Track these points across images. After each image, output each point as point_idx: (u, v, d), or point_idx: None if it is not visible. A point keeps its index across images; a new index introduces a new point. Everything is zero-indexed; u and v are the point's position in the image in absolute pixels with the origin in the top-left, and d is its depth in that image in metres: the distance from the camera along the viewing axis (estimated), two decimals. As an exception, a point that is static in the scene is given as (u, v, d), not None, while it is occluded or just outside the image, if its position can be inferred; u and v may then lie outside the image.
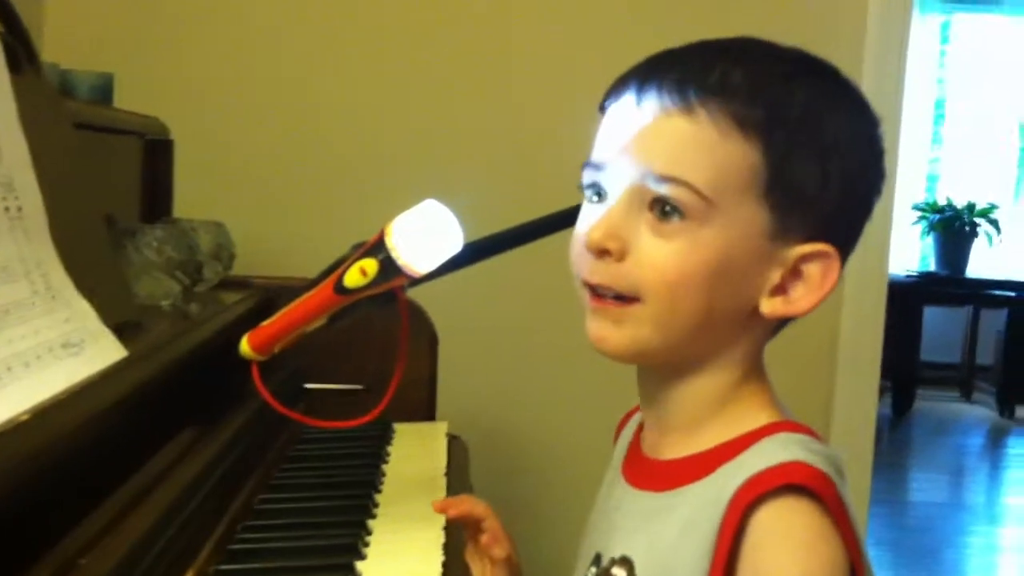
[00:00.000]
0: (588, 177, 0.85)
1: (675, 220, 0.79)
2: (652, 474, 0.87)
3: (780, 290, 0.82)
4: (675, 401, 0.85)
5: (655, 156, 0.79)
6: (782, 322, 0.86)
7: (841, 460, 0.79)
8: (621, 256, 0.80)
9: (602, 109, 0.86)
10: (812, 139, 0.80)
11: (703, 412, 0.84)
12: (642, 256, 0.80)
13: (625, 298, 0.81)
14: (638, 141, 0.80)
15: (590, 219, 0.83)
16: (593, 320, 0.84)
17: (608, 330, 0.83)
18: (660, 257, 0.79)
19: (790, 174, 0.79)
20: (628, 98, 0.82)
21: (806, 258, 0.81)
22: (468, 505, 1.05)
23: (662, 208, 0.79)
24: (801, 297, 0.82)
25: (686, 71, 0.80)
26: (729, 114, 0.78)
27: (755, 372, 0.86)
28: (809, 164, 0.80)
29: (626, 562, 0.83)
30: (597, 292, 0.82)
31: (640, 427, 0.94)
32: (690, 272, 0.79)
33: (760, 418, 0.83)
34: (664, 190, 0.79)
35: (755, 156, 0.78)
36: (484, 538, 1.03)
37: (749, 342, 0.85)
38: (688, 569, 0.77)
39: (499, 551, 1.03)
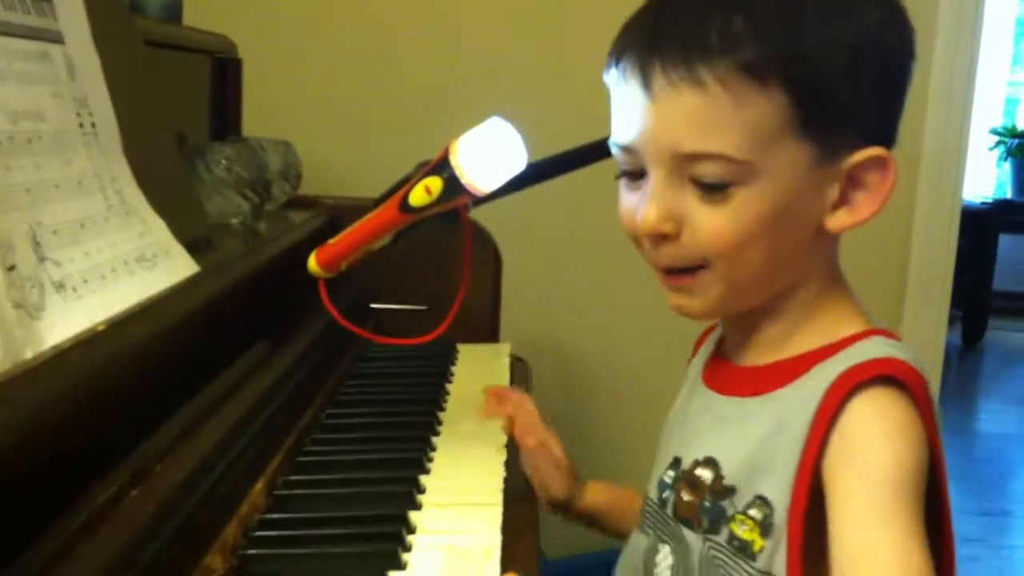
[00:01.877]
0: (620, 158, 0.86)
1: (719, 189, 0.79)
2: (739, 380, 0.89)
3: (841, 202, 0.82)
4: (759, 323, 0.88)
5: (678, 135, 0.79)
6: None
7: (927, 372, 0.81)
8: (678, 234, 0.81)
9: (607, 74, 0.86)
10: (833, 53, 0.78)
11: (788, 326, 0.86)
12: (698, 227, 0.81)
13: (692, 269, 0.83)
14: (657, 123, 0.80)
15: (633, 200, 0.84)
16: (669, 292, 0.87)
17: (685, 300, 0.85)
18: (716, 225, 0.80)
19: (820, 100, 0.78)
20: (632, 77, 0.81)
21: (860, 166, 0.81)
22: (503, 406, 1.13)
23: (703, 183, 0.79)
24: (863, 205, 0.83)
25: (683, 36, 0.78)
26: (740, 69, 0.77)
27: (835, 281, 0.88)
28: (836, 80, 0.79)
29: (711, 462, 0.86)
30: (664, 270, 0.85)
31: (721, 340, 0.96)
32: (749, 230, 0.80)
33: (851, 326, 0.85)
34: (699, 168, 0.79)
35: (780, 99, 0.78)
36: (516, 429, 1.11)
37: (822, 255, 0.86)
38: (781, 461, 0.80)
39: (530, 440, 1.10)
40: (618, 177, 0.88)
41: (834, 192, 0.82)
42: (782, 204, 0.79)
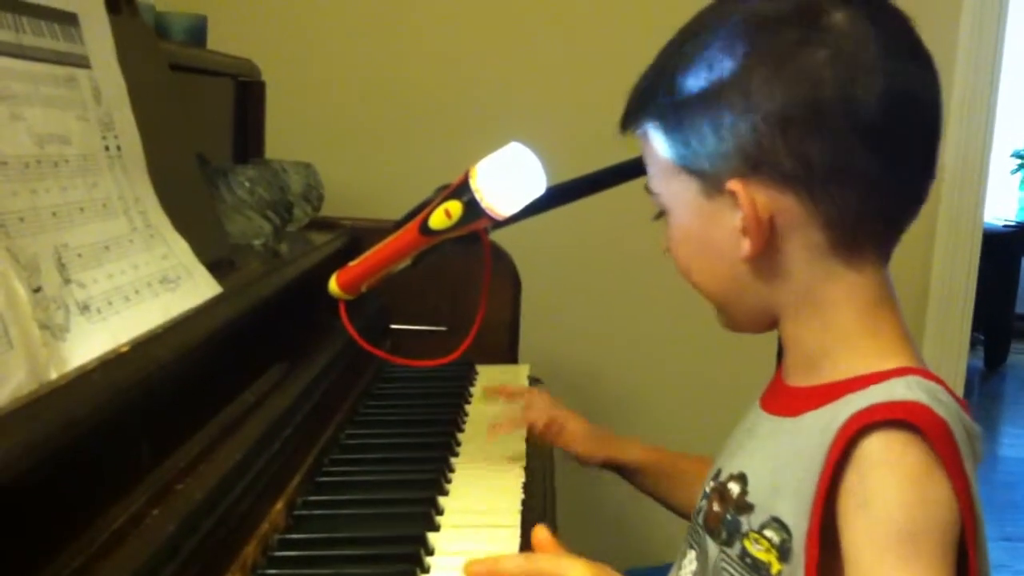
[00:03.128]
0: None
1: (661, 218, 0.92)
2: (782, 399, 0.91)
3: (744, 230, 0.85)
4: (790, 345, 0.90)
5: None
6: (886, 250, 0.87)
7: (969, 420, 0.81)
8: None
9: None
10: (688, 105, 0.86)
11: (820, 351, 0.87)
12: None
13: None
14: None
15: None
16: None
17: (719, 317, 0.95)
18: (672, 253, 0.93)
19: (680, 138, 0.87)
20: None
21: (734, 197, 0.84)
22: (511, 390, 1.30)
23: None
24: (747, 231, 0.85)
25: (633, 91, 0.92)
26: (647, 122, 0.90)
27: (878, 312, 0.87)
28: (694, 125, 0.85)
29: (741, 477, 0.88)
30: None
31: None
32: (678, 251, 0.92)
33: (889, 360, 0.84)
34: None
35: (660, 143, 0.88)
36: (526, 415, 1.25)
37: (846, 283, 0.85)
38: (793, 490, 0.81)
39: (538, 422, 1.24)
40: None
41: (736, 220, 0.84)
42: (693, 231, 0.89)
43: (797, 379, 0.89)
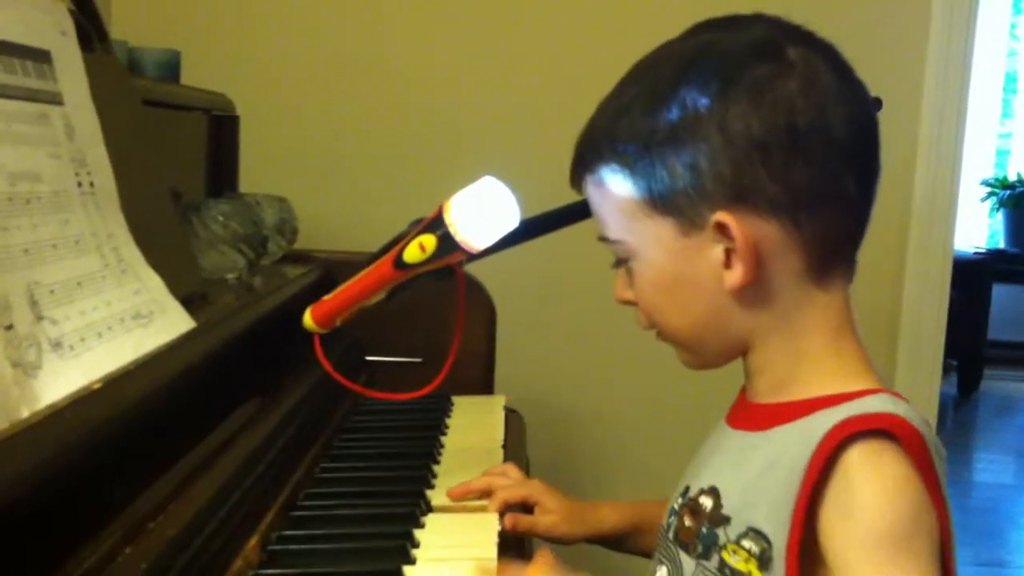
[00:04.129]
0: None
1: (624, 264, 0.92)
2: (749, 416, 0.92)
3: (729, 261, 0.86)
4: (759, 369, 0.91)
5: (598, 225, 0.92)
6: (851, 271, 0.89)
7: (936, 439, 0.82)
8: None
9: None
10: (657, 144, 0.86)
11: (788, 374, 0.89)
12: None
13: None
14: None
15: None
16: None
17: (683, 357, 0.95)
18: (639, 299, 0.92)
19: (652, 179, 0.86)
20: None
21: (718, 230, 0.85)
22: (474, 487, 1.17)
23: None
24: (736, 262, 0.86)
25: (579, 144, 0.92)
26: (596, 171, 0.90)
27: (843, 337, 0.89)
28: (666, 163, 0.85)
29: (713, 491, 0.89)
30: None
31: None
32: (648, 297, 0.91)
33: (858, 383, 0.86)
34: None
35: (625, 186, 0.88)
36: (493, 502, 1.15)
37: (811, 310, 0.88)
38: (770, 500, 0.82)
39: (504, 495, 1.15)
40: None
41: (718, 253, 0.86)
42: (668, 272, 0.89)
43: (764, 398, 0.91)
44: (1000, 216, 5.66)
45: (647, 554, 1.10)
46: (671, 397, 2.19)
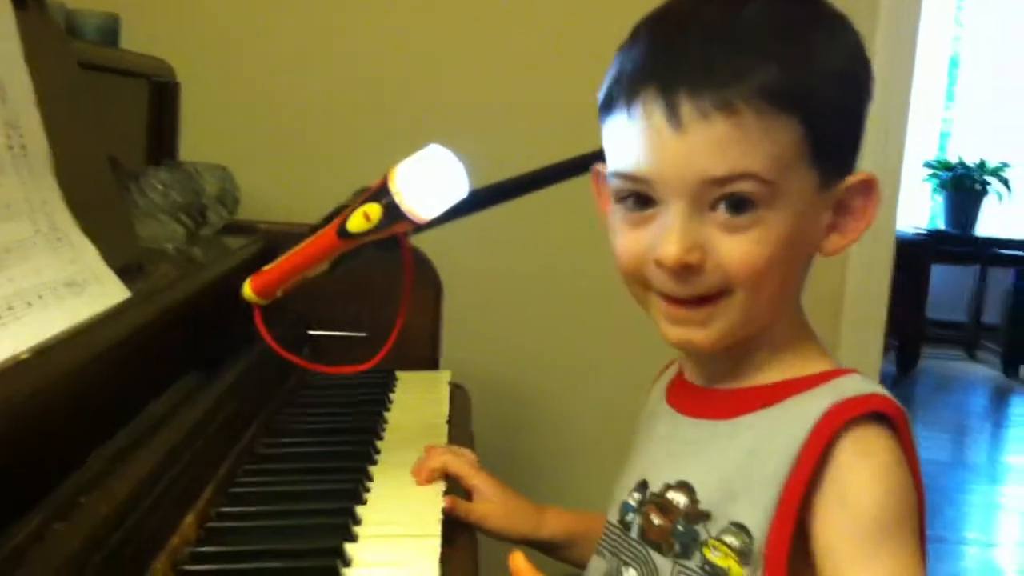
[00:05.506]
0: (626, 186, 0.84)
1: (746, 212, 0.80)
2: (708, 403, 0.89)
3: (832, 227, 0.85)
4: (736, 352, 0.87)
5: (710, 161, 0.79)
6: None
7: None
8: (702, 264, 0.81)
9: (606, 110, 0.86)
10: (836, 85, 0.82)
11: (763, 356, 0.87)
12: (723, 256, 0.81)
13: (708, 297, 0.83)
14: (687, 152, 0.79)
15: (640, 236, 0.84)
16: (674, 326, 0.85)
17: (695, 332, 0.84)
18: (742, 251, 0.80)
19: (828, 129, 0.82)
20: (653, 109, 0.80)
21: (849, 191, 0.85)
22: (433, 467, 1.12)
23: (731, 204, 0.80)
24: (852, 227, 0.86)
25: (706, 64, 0.79)
26: (765, 95, 0.79)
27: (803, 320, 0.90)
28: (838, 111, 0.83)
29: (684, 486, 0.86)
30: (675, 299, 0.83)
31: (681, 371, 0.97)
32: (773, 253, 0.81)
33: (820, 364, 0.87)
34: (729, 188, 0.79)
35: (796, 128, 0.80)
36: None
37: (798, 287, 0.88)
38: (757, 489, 0.81)
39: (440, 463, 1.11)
40: (612, 207, 0.88)
41: (828, 217, 0.85)
42: (796, 229, 0.82)
43: (722, 382, 0.89)
44: (940, 198, 5.74)
45: (579, 565, 1.07)
46: (617, 373, 2.19)
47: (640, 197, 0.83)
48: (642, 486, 0.91)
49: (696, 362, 0.93)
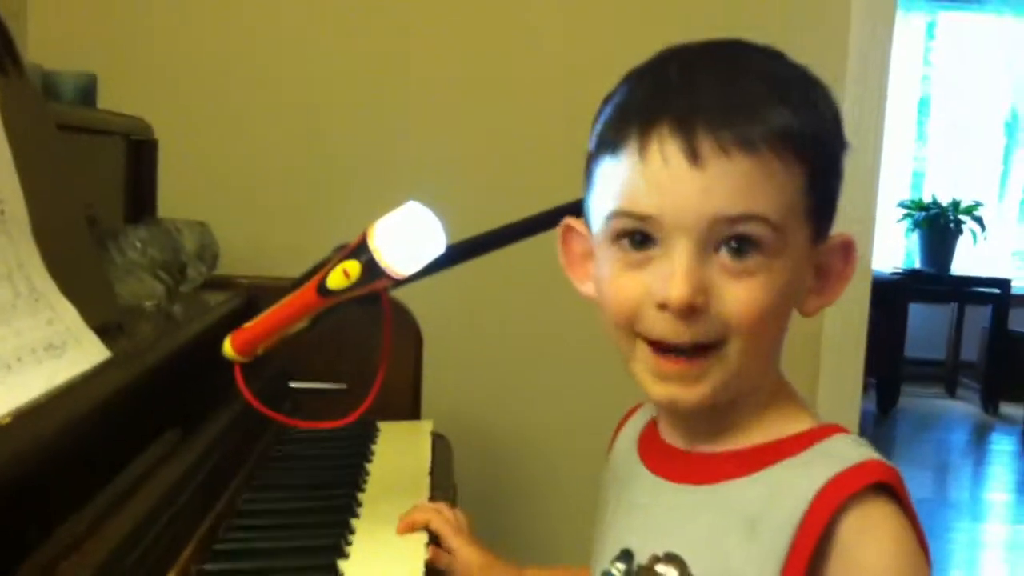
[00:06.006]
0: (628, 225, 0.80)
1: (751, 256, 0.78)
2: (688, 467, 0.85)
3: (811, 288, 0.84)
4: (720, 415, 0.84)
5: (725, 199, 0.77)
6: None
7: None
8: (706, 307, 0.78)
9: (605, 151, 0.82)
10: (832, 140, 0.83)
11: (746, 416, 0.84)
12: (727, 300, 0.78)
13: (704, 347, 0.79)
14: (704, 188, 0.77)
15: (638, 278, 0.80)
16: (661, 383, 0.81)
17: (687, 390, 0.80)
18: (746, 298, 0.78)
19: (825, 183, 0.82)
20: (669, 144, 0.77)
21: (829, 250, 0.84)
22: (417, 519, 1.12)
23: (735, 248, 0.77)
24: (831, 288, 0.84)
25: (723, 101, 0.78)
26: (780, 140, 0.77)
27: (781, 372, 0.87)
28: (832, 165, 0.83)
29: (674, 559, 0.82)
30: (668, 351, 0.79)
31: (650, 425, 0.93)
32: (775, 304, 0.79)
33: (803, 422, 0.84)
34: (741, 229, 0.77)
35: (802, 177, 0.79)
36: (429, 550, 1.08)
37: (782, 345, 0.85)
38: (755, 567, 0.77)
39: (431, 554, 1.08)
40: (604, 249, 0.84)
41: (810, 277, 0.83)
42: (791, 283, 0.80)
43: (703, 442, 0.85)
44: (916, 237, 5.80)
45: None
46: (597, 421, 2.19)
47: (638, 237, 0.80)
48: (626, 556, 0.86)
49: (674, 421, 0.88)
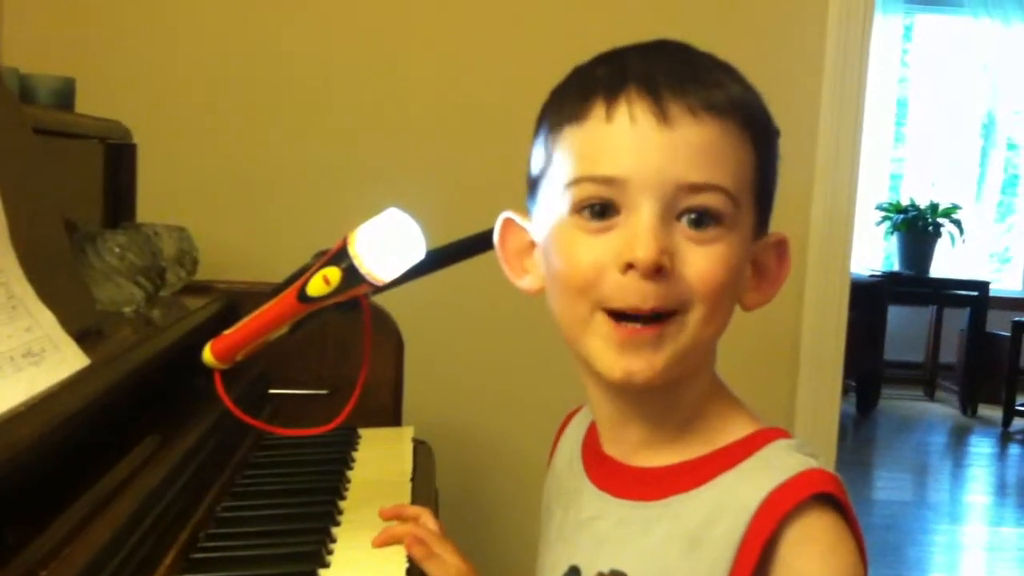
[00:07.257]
0: (590, 192, 0.79)
1: (711, 228, 0.78)
2: (633, 482, 0.85)
3: (749, 283, 0.84)
4: (660, 414, 0.84)
5: (690, 163, 0.77)
6: None
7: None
8: (671, 271, 0.77)
9: (568, 119, 0.81)
10: (772, 123, 0.84)
11: (682, 419, 0.84)
12: (688, 268, 0.78)
13: (662, 315, 0.79)
14: (671, 148, 0.77)
15: (600, 245, 0.79)
16: (619, 356, 0.79)
17: (644, 360, 0.79)
18: (707, 265, 0.78)
19: (768, 170, 0.83)
20: (638, 107, 0.78)
21: (765, 248, 0.84)
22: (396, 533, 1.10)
23: (695, 219, 0.78)
24: (766, 288, 0.85)
25: (684, 73, 0.79)
26: (739, 111, 0.79)
27: (716, 376, 0.87)
28: (774, 151, 0.84)
29: None
30: (627, 318, 0.78)
31: (592, 430, 0.92)
32: (731, 277, 0.79)
33: (743, 426, 0.83)
34: (701, 199, 0.78)
35: (754, 155, 0.81)
36: (408, 540, 1.08)
37: (720, 336, 0.84)
38: None
39: (417, 551, 1.07)
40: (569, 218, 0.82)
41: (748, 272, 0.83)
42: (741, 263, 0.81)
43: (646, 457, 0.85)
44: (894, 239, 5.83)
45: None
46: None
47: (598, 208, 0.79)
48: (573, 572, 0.86)
49: (611, 427, 0.87)
